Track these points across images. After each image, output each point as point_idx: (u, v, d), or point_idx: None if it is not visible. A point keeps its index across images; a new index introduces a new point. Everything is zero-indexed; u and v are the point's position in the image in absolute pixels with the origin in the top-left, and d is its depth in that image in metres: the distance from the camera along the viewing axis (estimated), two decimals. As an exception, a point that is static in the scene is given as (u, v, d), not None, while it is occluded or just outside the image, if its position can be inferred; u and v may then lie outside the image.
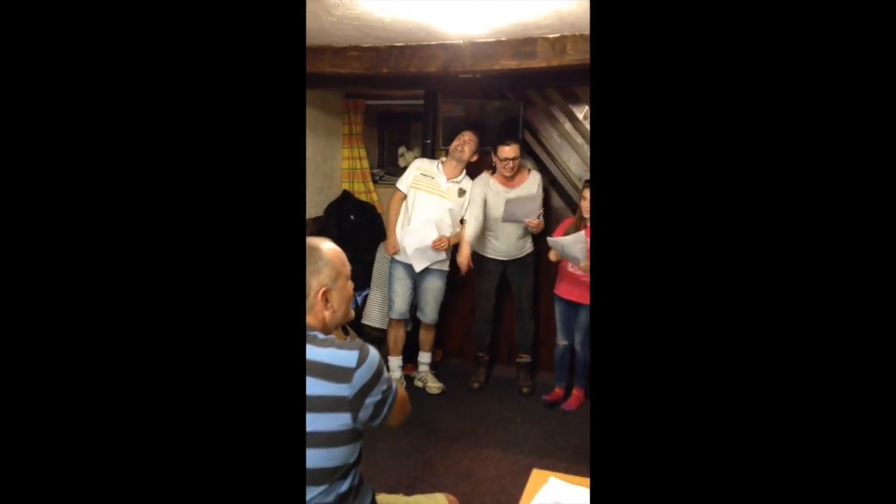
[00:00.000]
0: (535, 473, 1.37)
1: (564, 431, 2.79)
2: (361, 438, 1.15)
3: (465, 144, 2.94)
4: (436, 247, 2.89)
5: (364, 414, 1.11)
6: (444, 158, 3.07)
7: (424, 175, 2.98)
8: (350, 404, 1.07)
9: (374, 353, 1.12)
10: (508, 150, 2.85)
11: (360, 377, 1.08)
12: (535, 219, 2.85)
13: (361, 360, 1.08)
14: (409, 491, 1.47)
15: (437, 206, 2.93)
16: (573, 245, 2.68)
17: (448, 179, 2.98)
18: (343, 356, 1.08)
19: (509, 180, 2.96)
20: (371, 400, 1.10)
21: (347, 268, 1.20)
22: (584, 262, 2.68)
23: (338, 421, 1.07)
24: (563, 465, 2.43)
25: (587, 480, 1.33)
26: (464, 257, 2.84)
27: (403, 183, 3.03)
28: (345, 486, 1.12)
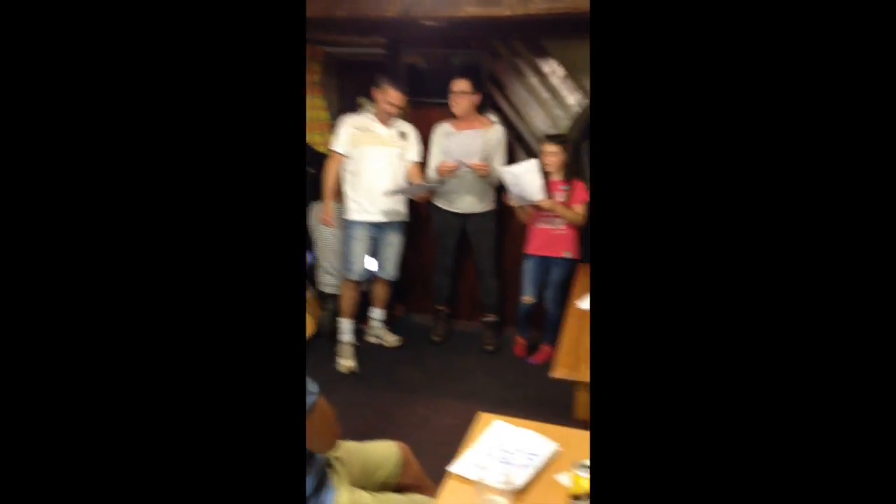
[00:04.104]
0: (480, 416, 1.39)
1: (524, 383, 2.84)
2: None
3: (389, 94, 2.80)
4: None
5: None
6: (369, 108, 2.90)
7: (359, 130, 2.83)
8: None
9: None
10: (456, 84, 2.85)
11: None
12: (476, 160, 2.75)
13: None
14: (363, 440, 1.47)
15: (384, 156, 2.84)
16: (524, 175, 2.58)
17: (384, 126, 2.87)
18: None
19: (462, 122, 2.92)
20: None
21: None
22: (539, 198, 2.62)
23: None
24: (521, 413, 2.47)
25: (534, 424, 1.35)
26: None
27: (340, 144, 2.84)
28: None
